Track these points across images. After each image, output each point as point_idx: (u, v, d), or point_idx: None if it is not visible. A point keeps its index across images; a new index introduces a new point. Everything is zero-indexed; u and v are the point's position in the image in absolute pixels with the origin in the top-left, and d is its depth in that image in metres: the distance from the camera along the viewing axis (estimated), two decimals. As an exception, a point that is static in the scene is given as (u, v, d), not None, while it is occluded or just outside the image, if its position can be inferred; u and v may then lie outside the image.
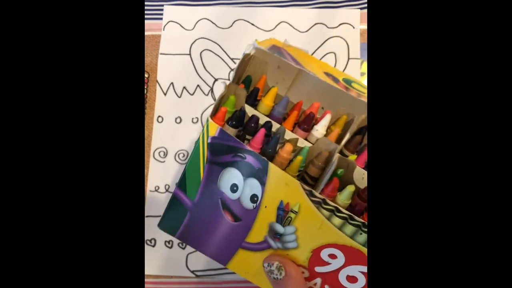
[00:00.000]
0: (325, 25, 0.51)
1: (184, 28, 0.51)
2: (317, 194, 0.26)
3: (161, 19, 0.52)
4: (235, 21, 0.51)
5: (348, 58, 0.49)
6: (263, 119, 0.30)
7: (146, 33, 0.51)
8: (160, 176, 0.47)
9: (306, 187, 0.26)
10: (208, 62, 0.50)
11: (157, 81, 0.50)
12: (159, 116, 0.49)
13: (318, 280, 0.28)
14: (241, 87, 0.31)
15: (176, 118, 0.49)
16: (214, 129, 0.27)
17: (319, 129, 0.30)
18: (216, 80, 0.50)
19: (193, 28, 0.51)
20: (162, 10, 0.52)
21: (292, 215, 0.27)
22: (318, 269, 0.28)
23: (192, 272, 0.45)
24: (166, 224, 0.31)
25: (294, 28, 0.51)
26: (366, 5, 0.51)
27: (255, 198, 0.28)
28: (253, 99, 0.31)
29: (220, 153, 0.28)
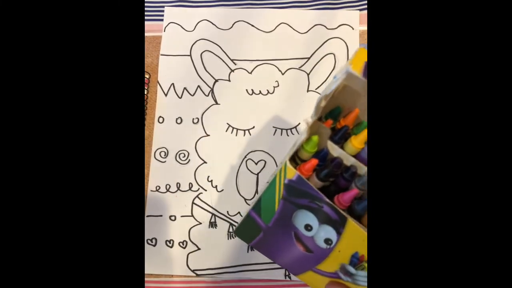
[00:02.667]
0: (325, 26, 0.51)
1: (185, 29, 0.52)
2: None
3: (162, 20, 0.52)
4: (235, 22, 0.52)
5: (347, 59, 0.50)
6: (348, 161, 0.27)
7: (147, 34, 0.52)
8: (161, 176, 0.48)
9: None
10: (209, 63, 0.50)
11: (158, 82, 0.50)
12: (160, 117, 0.49)
13: None
14: (326, 126, 0.27)
15: (176, 119, 0.49)
16: (291, 174, 0.26)
17: None
18: (216, 81, 0.50)
19: (193, 29, 0.52)
20: (163, 11, 0.53)
21: (366, 264, 0.27)
22: None
23: (193, 271, 0.45)
24: (241, 234, 0.32)
25: (294, 29, 0.51)
26: (365, 6, 0.52)
27: (329, 242, 0.28)
28: (339, 137, 0.27)
29: (296, 195, 0.27)
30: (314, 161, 0.26)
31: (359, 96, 0.27)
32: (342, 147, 0.27)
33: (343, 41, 0.50)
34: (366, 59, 0.25)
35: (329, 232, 0.27)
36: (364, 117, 0.27)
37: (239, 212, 0.46)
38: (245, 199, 0.46)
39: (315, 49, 0.50)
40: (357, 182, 0.26)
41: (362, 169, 0.26)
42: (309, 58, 0.50)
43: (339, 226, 0.26)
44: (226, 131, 0.48)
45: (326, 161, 0.27)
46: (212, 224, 0.46)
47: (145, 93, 0.50)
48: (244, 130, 0.48)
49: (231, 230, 0.46)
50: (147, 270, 0.45)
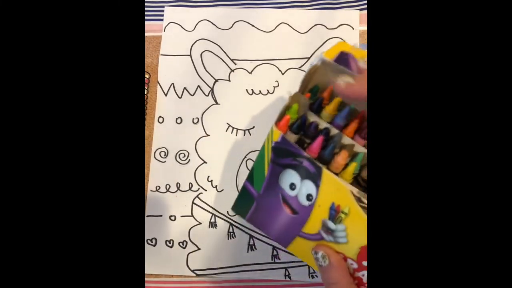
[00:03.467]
0: (325, 26, 0.51)
1: (185, 29, 0.52)
2: (364, 200, 0.29)
3: (161, 20, 0.52)
4: (235, 22, 0.52)
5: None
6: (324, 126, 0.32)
7: (146, 34, 0.52)
8: (161, 176, 0.48)
9: (356, 193, 0.29)
10: (209, 63, 0.50)
11: (158, 82, 0.50)
12: (159, 117, 0.49)
13: (365, 272, 0.31)
14: (306, 96, 0.32)
15: (176, 119, 0.49)
16: (277, 135, 0.31)
17: None
18: (216, 80, 0.50)
19: (193, 29, 0.52)
20: (162, 11, 0.53)
21: (343, 215, 0.29)
22: (365, 263, 0.30)
23: (193, 271, 0.45)
24: (238, 208, 0.37)
25: (294, 29, 0.51)
26: (365, 6, 0.52)
27: (310, 197, 0.31)
28: (317, 107, 0.33)
29: (282, 156, 0.31)
30: (287, 117, 0.31)
31: (331, 77, 0.33)
32: (319, 116, 0.32)
33: (343, 41, 0.50)
34: (341, 50, 0.32)
35: (309, 187, 0.31)
36: (336, 93, 0.33)
37: (239, 212, 0.46)
38: (245, 199, 0.47)
39: (315, 49, 0.50)
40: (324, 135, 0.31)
41: (334, 130, 0.32)
42: (309, 58, 0.50)
43: (316, 178, 0.30)
44: (226, 131, 0.48)
45: (305, 125, 0.32)
46: (212, 224, 0.46)
47: (145, 93, 0.50)
48: (244, 130, 0.48)
49: (231, 230, 0.46)
50: (147, 270, 0.45)
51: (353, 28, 0.51)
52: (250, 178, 0.34)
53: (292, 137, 0.31)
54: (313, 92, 0.34)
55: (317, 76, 0.33)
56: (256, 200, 0.35)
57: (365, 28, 0.51)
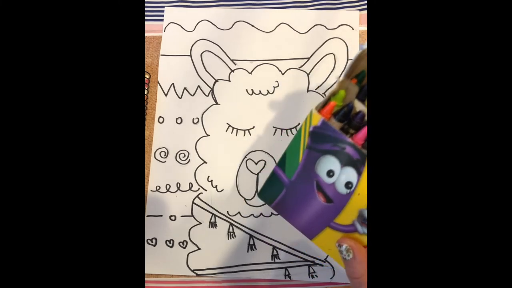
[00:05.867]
0: (325, 26, 0.51)
1: (185, 30, 0.52)
2: None
3: (162, 20, 0.52)
4: (235, 22, 0.52)
5: (347, 60, 0.50)
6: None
7: (147, 34, 0.52)
8: (161, 176, 0.48)
9: None
10: (209, 63, 0.50)
11: (158, 82, 0.50)
12: (160, 117, 0.49)
13: None
14: (353, 82, 0.31)
15: (177, 119, 0.49)
16: (317, 120, 0.29)
17: None
18: (216, 81, 0.50)
19: (193, 30, 0.52)
20: (163, 11, 0.53)
21: None
22: None
23: (193, 271, 0.45)
24: (264, 194, 0.34)
25: (294, 30, 0.51)
26: (365, 6, 0.52)
27: (350, 185, 0.29)
28: (363, 95, 0.31)
29: (321, 141, 0.30)
30: (333, 103, 0.29)
31: None
32: (364, 104, 0.30)
33: (343, 41, 0.50)
34: None
35: (350, 174, 0.29)
36: None
37: (239, 212, 0.46)
38: (245, 199, 0.47)
39: (315, 49, 0.50)
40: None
41: None
42: (309, 58, 0.50)
43: (360, 165, 0.28)
44: (226, 131, 0.48)
45: (350, 114, 0.30)
46: (212, 224, 0.46)
47: (145, 93, 0.50)
48: (244, 130, 0.48)
49: (231, 230, 0.46)
50: (147, 270, 0.45)
51: (353, 29, 0.51)
52: (281, 164, 0.32)
53: (336, 125, 0.30)
54: (360, 78, 0.32)
55: (366, 62, 0.31)
56: (287, 187, 0.33)
57: (365, 28, 0.51)
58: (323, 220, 0.32)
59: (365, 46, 0.28)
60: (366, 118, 0.30)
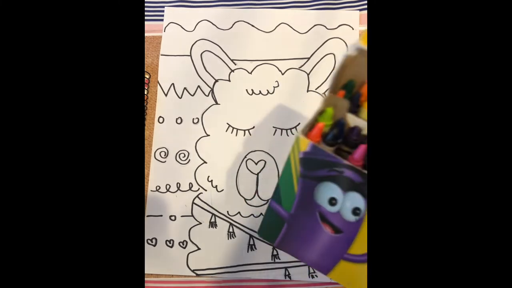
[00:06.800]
0: (325, 26, 0.51)
1: (185, 30, 0.52)
2: None
3: (162, 20, 0.52)
4: (235, 22, 0.52)
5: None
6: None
7: (147, 34, 0.52)
8: (161, 176, 0.48)
9: None
10: (209, 63, 0.50)
11: (158, 82, 0.50)
12: (160, 117, 0.49)
13: None
14: (340, 97, 0.28)
15: (176, 119, 0.49)
16: (304, 145, 0.26)
17: None
18: (216, 81, 0.50)
19: (193, 30, 0.52)
20: (163, 11, 0.53)
21: None
22: None
23: (193, 271, 0.45)
24: (264, 232, 0.31)
25: (294, 30, 0.51)
26: (365, 6, 0.52)
27: (357, 211, 0.26)
28: (355, 106, 0.28)
29: (314, 168, 0.26)
30: (321, 124, 0.26)
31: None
32: (357, 116, 0.27)
33: (343, 41, 0.50)
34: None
35: (355, 199, 0.26)
36: None
37: (239, 212, 0.46)
38: (245, 199, 0.47)
39: (315, 49, 0.50)
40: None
41: None
42: (309, 58, 0.50)
43: (364, 187, 0.25)
44: (226, 131, 0.48)
45: (343, 132, 0.27)
46: (212, 224, 0.46)
47: (145, 93, 0.50)
48: (244, 130, 0.48)
49: (231, 230, 0.46)
50: (147, 270, 0.45)
51: (353, 28, 0.51)
52: (276, 196, 0.29)
53: (327, 149, 0.26)
54: (348, 89, 0.29)
55: (352, 69, 0.28)
56: (287, 221, 0.29)
57: (365, 28, 0.51)
58: (335, 253, 0.28)
59: (350, 52, 0.26)
60: (363, 132, 0.27)
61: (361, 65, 0.27)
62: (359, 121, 0.27)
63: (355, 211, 0.26)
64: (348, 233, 0.27)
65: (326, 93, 0.27)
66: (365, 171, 0.24)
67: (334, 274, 0.29)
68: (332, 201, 0.27)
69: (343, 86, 0.29)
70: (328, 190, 0.27)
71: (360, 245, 0.27)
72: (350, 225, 0.27)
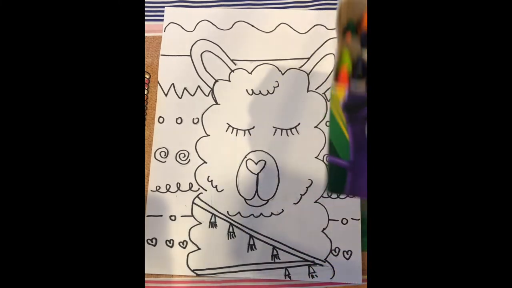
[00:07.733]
0: (325, 26, 0.51)
1: (185, 30, 0.52)
2: None
3: (162, 20, 0.52)
4: (235, 22, 0.52)
5: (347, 59, 0.50)
6: None
7: (147, 34, 0.52)
8: (161, 176, 0.48)
9: None
10: (209, 63, 0.50)
11: (158, 82, 0.50)
12: (160, 117, 0.49)
13: None
14: (348, 39, 0.30)
15: (176, 119, 0.49)
16: (342, 93, 0.28)
17: None
18: (216, 81, 0.50)
19: (193, 30, 0.52)
20: (163, 11, 0.53)
21: None
22: None
23: (193, 271, 0.45)
24: (333, 187, 0.33)
25: (294, 30, 0.51)
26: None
27: None
28: (364, 41, 0.30)
29: (357, 110, 0.28)
30: (344, 66, 0.28)
31: (362, 6, 0.30)
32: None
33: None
34: None
35: None
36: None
37: (239, 212, 0.46)
38: (245, 199, 0.47)
39: (315, 49, 0.50)
40: None
41: None
42: (309, 58, 0.50)
43: None
44: (226, 131, 0.48)
45: (365, 64, 0.29)
46: (212, 224, 0.46)
47: (145, 93, 0.50)
48: (244, 130, 0.48)
49: (231, 230, 0.46)
50: (147, 270, 0.45)
51: (353, 28, 0.51)
52: (332, 151, 0.31)
53: (361, 85, 0.28)
54: (352, 30, 0.31)
55: (348, 11, 0.30)
56: (349, 169, 0.31)
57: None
58: None
59: None
60: None
61: (355, 4, 0.30)
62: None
63: None
64: None
65: (336, 40, 0.29)
66: None
67: None
68: None
69: (345, 29, 0.30)
70: None
71: None
72: None
